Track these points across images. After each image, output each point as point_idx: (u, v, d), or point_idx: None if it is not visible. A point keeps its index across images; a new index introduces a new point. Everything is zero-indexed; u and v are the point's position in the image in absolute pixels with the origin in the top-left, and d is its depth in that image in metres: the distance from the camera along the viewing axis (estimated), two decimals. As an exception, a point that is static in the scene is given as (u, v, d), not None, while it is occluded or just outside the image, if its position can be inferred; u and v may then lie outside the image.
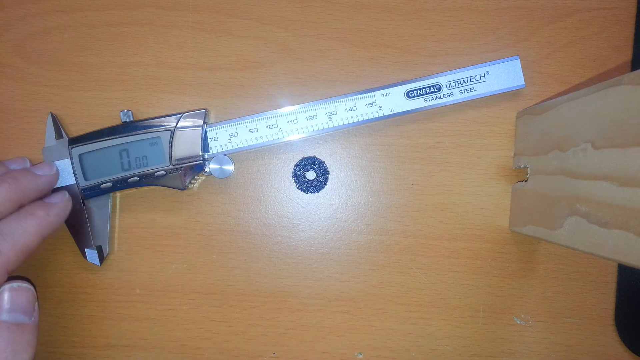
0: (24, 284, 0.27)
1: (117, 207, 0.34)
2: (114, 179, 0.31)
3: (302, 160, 0.34)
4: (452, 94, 0.30)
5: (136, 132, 0.31)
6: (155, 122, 0.31)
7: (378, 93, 0.30)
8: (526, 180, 0.32)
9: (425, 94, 0.30)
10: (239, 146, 0.31)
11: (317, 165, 0.34)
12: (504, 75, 0.30)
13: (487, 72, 0.30)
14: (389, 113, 0.30)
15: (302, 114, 0.30)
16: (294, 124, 0.30)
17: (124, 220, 0.34)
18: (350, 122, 0.30)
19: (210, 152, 0.32)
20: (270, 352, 0.34)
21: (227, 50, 0.34)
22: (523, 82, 0.31)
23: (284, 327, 0.34)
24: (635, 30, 0.34)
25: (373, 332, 0.34)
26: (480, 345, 0.34)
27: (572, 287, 0.34)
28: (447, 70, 0.33)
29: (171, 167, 0.31)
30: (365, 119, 0.30)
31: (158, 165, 0.31)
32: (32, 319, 0.27)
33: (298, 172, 0.34)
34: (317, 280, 0.34)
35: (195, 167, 0.31)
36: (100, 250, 0.33)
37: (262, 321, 0.34)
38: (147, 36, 0.34)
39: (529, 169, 0.32)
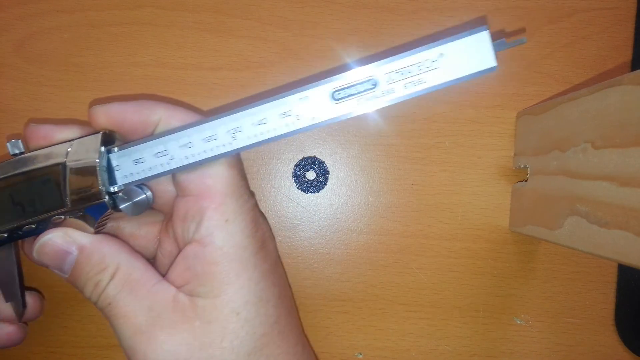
0: None
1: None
2: (8, 228, 0.25)
3: (302, 160, 0.34)
4: (393, 90, 0.21)
5: (24, 170, 0.24)
6: (44, 154, 0.24)
7: (294, 98, 0.22)
8: (526, 180, 0.32)
9: (357, 94, 0.21)
10: (147, 175, 0.24)
11: (317, 165, 0.34)
12: (465, 55, 0.21)
13: (442, 55, 0.20)
14: (311, 123, 0.22)
15: (197, 135, 0.23)
16: (189, 148, 0.23)
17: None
18: (259, 139, 0.22)
19: (119, 184, 0.24)
20: (270, 352, 0.34)
21: (227, 50, 0.34)
22: (494, 63, 0.21)
23: (284, 327, 0.34)
24: (635, 30, 0.34)
25: (373, 332, 0.34)
26: (480, 345, 0.34)
27: (572, 287, 0.34)
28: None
29: (70, 210, 0.24)
30: (278, 134, 0.22)
31: (54, 209, 0.24)
32: None
33: (298, 172, 0.34)
34: (317, 280, 0.34)
35: (99, 206, 0.24)
36: (16, 305, 0.28)
37: (262, 321, 0.34)
38: (147, 36, 0.34)
39: (529, 169, 0.32)
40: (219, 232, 0.23)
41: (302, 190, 0.34)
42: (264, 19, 0.34)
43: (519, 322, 0.34)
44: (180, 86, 0.34)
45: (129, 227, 0.28)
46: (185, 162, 0.23)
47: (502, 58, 0.34)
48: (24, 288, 0.29)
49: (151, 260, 0.27)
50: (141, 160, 0.24)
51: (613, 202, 0.22)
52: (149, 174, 0.24)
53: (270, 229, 0.29)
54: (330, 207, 0.35)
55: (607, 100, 0.24)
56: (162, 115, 0.24)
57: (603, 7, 0.34)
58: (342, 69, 0.34)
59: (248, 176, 0.34)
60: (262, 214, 0.27)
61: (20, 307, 0.28)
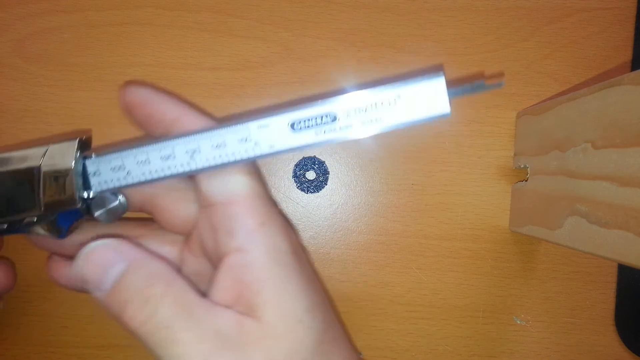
0: None
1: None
2: None
3: (302, 160, 0.34)
4: (351, 126, 0.22)
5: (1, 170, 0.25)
6: (19, 156, 0.25)
7: (253, 125, 0.22)
8: (526, 180, 0.32)
9: (316, 126, 0.22)
10: (129, 182, 0.24)
11: (317, 165, 0.34)
12: (421, 99, 0.22)
13: (399, 97, 0.22)
14: (269, 151, 0.23)
15: (155, 153, 0.23)
16: (147, 164, 0.23)
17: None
18: (217, 162, 0.23)
19: (94, 190, 0.24)
20: (270, 352, 0.34)
21: (227, 50, 0.34)
22: (448, 110, 0.21)
23: (284, 327, 0.34)
24: (635, 30, 0.34)
25: (373, 332, 0.34)
26: (480, 345, 0.34)
27: (572, 287, 0.34)
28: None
29: (43, 213, 0.24)
30: (237, 158, 0.23)
31: (27, 211, 0.24)
32: None
33: (298, 172, 0.34)
34: (317, 280, 0.34)
35: (72, 213, 0.25)
36: None
37: (262, 321, 0.34)
38: (147, 36, 0.34)
39: (529, 169, 0.32)
40: (258, 236, 0.22)
41: (302, 190, 0.34)
42: (264, 19, 0.34)
43: (519, 322, 0.34)
44: (180, 86, 0.34)
45: (150, 246, 0.26)
46: (142, 179, 0.23)
47: (502, 58, 0.34)
48: None
49: None
50: (122, 167, 0.24)
51: (613, 202, 0.22)
52: (124, 183, 0.24)
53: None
54: (330, 207, 0.35)
55: (607, 100, 0.24)
56: (178, 116, 0.23)
57: (603, 7, 0.34)
58: (309, 98, 0.34)
59: (248, 176, 0.34)
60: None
61: None
